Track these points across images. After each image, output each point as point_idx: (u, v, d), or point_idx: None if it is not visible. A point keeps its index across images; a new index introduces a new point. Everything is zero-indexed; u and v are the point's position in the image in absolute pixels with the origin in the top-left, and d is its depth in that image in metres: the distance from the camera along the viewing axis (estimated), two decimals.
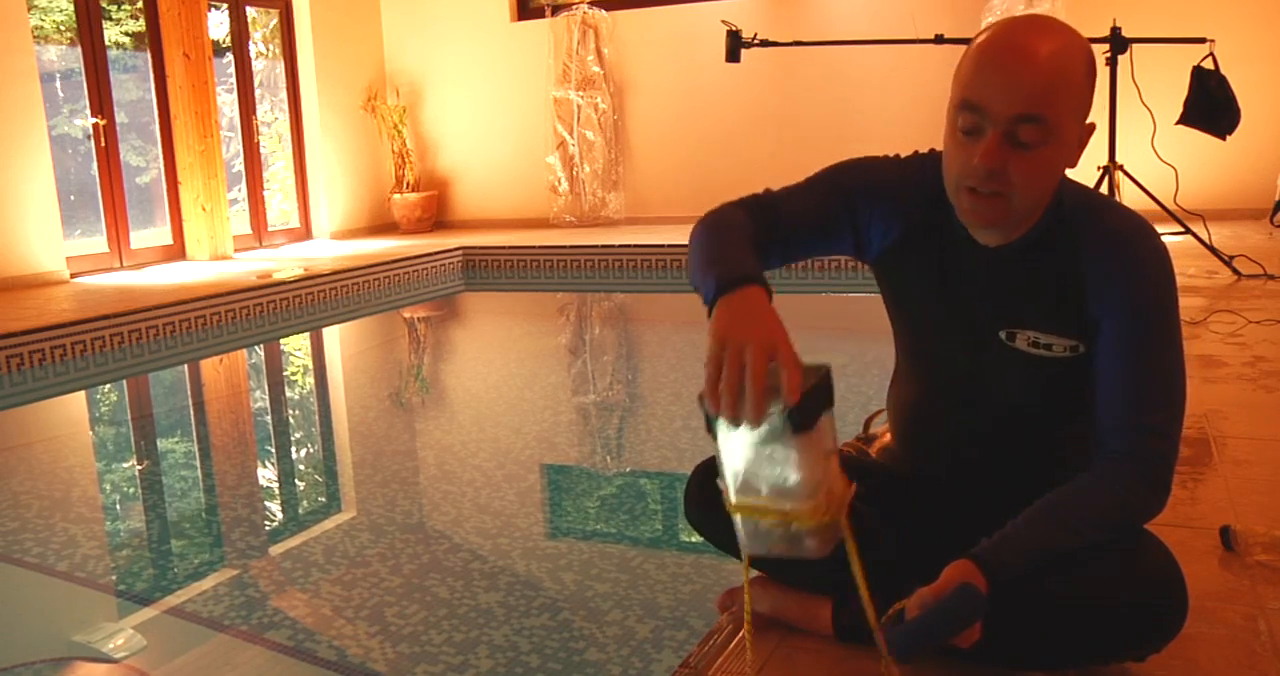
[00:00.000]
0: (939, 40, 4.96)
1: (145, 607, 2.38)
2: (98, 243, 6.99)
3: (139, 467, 3.66)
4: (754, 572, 1.46)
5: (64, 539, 2.72)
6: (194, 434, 4.00)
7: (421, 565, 2.49)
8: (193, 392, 4.87)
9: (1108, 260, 1.31)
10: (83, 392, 4.69)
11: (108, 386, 4.86)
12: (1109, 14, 5.05)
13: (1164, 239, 1.35)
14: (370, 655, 2.05)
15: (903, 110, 7.44)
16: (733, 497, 1.17)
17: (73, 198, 6.96)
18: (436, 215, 9.11)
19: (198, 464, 3.61)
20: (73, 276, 6.55)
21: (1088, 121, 1.29)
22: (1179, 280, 1.33)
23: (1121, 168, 5.01)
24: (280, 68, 8.51)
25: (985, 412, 1.44)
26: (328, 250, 7.79)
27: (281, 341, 5.87)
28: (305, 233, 8.70)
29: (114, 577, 2.56)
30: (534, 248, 7.37)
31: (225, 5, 7.96)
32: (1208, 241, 4.90)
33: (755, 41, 5.31)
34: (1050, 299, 1.35)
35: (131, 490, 3.39)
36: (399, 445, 3.68)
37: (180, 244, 7.45)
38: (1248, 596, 1.60)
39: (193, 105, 7.30)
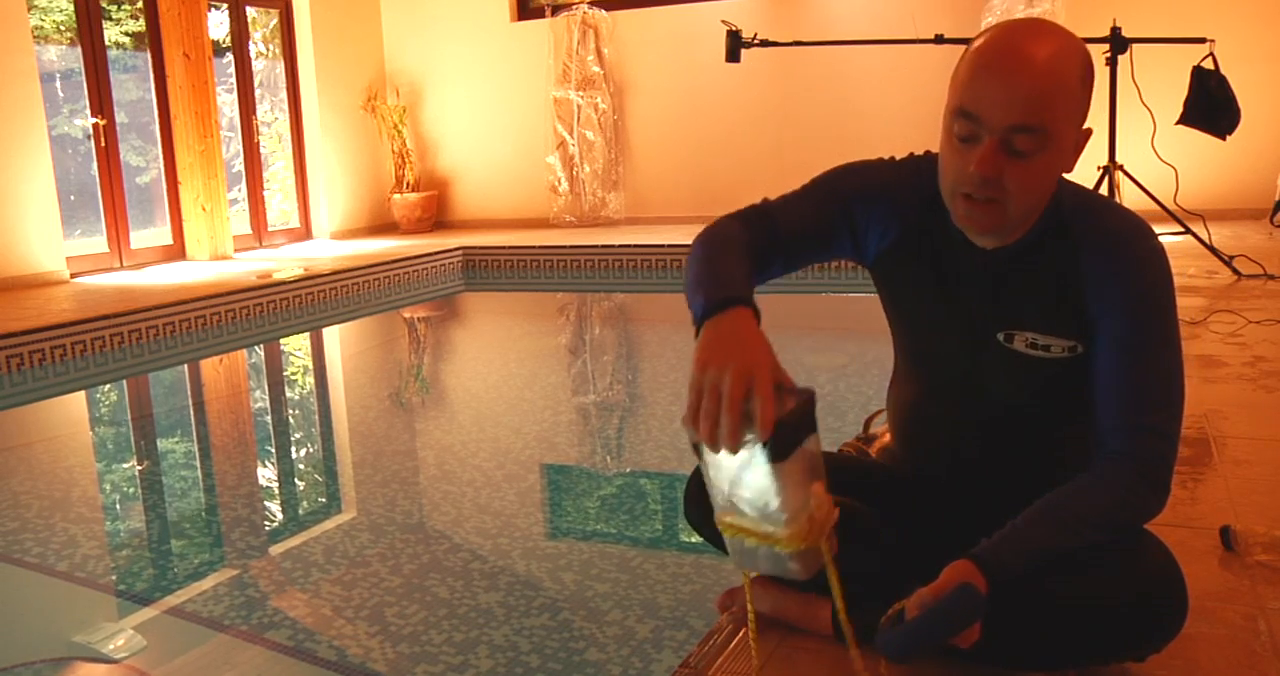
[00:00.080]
0: (939, 40, 4.96)
1: (145, 607, 2.38)
2: (98, 243, 7.00)
3: (139, 468, 3.66)
4: (753, 572, 1.46)
5: (64, 539, 2.72)
6: (194, 434, 4.00)
7: (421, 565, 2.49)
8: (193, 392, 4.87)
9: (1106, 260, 1.31)
10: (83, 392, 4.69)
11: (108, 386, 4.86)
12: (1109, 14, 5.05)
13: (1164, 239, 1.35)
14: (370, 655, 2.05)
15: (902, 110, 7.44)
16: (719, 515, 1.18)
17: (73, 198, 6.96)
18: (436, 215, 9.11)
19: (198, 464, 3.61)
20: (73, 276, 6.55)
21: (1085, 126, 1.29)
22: (1179, 280, 1.33)
23: (1121, 168, 5.01)
24: (280, 68, 8.51)
25: (984, 413, 1.44)
26: (328, 250, 7.79)
27: (281, 341, 5.87)
28: (305, 233, 8.70)
29: (114, 577, 2.56)
30: (534, 248, 7.37)
31: (225, 5, 7.96)
32: (1208, 241, 4.90)
33: (755, 41, 5.31)
34: (1048, 300, 1.35)
35: (131, 490, 3.39)
36: (399, 445, 3.68)
37: (180, 244, 7.45)
38: (1248, 596, 1.60)
39: (193, 105, 7.30)
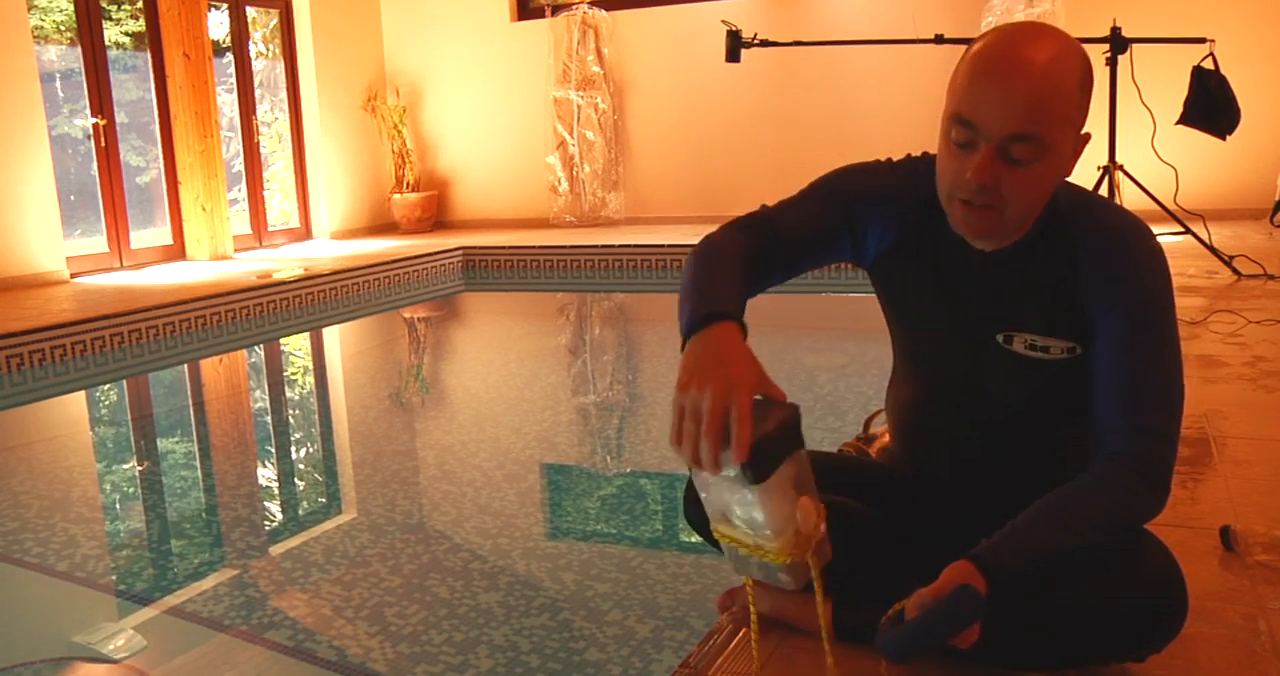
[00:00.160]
0: (939, 40, 4.96)
1: (145, 607, 2.38)
2: (98, 242, 7.00)
3: (139, 468, 3.66)
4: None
5: (64, 539, 2.72)
6: (194, 434, 4.00)
7: (421, 565, 2.49)
8: (193, 392, 4.87)
9: (1105, 261, 1.31)
10: (83, 392, 4.69)
11: (108, 386, 4.86)
12: (1109, 14, 5.05)
13: (1164, 239, 1.35)
14: (370, 655, 2.05)
15: (902, 110, 7.44)
16: (713, 524, 1.19)
17: (73, 198, 6.96)
18: (436, 215, 9.11)
19: (198, 464, 3.61)
20: (73, 276, 6.55)
21: (1083, 131, 1.28)
22: (1179, 280, 1.34)
23: (1121, 168, 5.01)
24: (280, 68, 8.51)
25: (983, 414, 1.44)
26: (328, 250, 7.80)
27: (281, 341, 5.87)
28: (305, 233, 8.70)
29: (114, 577, 2.56)
30: (534, 248, 7.37)
31: (225, 5, 7.96)
32: (1208, 241, 4.90)
33: (755, 41, 5.31)
34: (1047, 301, 1.35)
35: (131, 490, 3.39)
36: (399, 445, 3.68)
37: (180, 244, 7.45)
38: (1248, 596, 1.60)
39: (193, 105, 7.30)
